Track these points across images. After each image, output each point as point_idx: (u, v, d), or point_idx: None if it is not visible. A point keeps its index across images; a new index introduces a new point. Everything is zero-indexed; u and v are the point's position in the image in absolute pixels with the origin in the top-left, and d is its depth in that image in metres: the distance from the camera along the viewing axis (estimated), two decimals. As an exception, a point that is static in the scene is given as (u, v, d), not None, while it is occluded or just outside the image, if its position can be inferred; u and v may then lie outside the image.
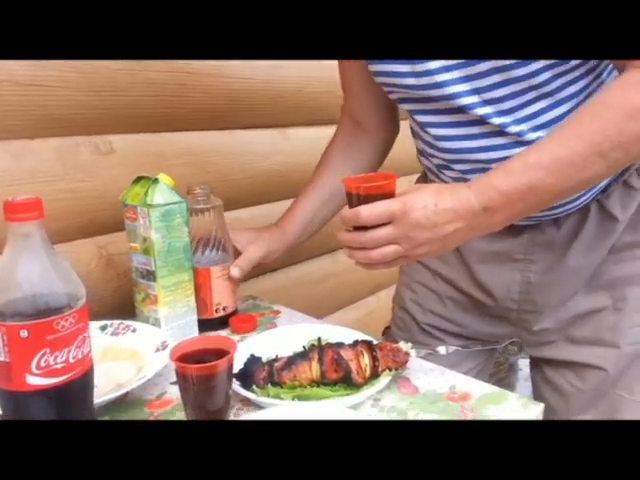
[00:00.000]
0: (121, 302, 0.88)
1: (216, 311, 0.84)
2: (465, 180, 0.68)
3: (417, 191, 0.60)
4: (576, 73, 0.64)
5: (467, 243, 0.78)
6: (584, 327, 0.75)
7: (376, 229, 0.59)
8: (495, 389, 0.66)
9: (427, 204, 0.57)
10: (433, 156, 0.74)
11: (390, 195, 0.60)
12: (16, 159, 0.78)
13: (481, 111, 0.64)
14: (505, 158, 0.63)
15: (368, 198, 0.59)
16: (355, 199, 0.61)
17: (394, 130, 0.91)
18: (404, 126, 0.89)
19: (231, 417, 0.60)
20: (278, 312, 0.93)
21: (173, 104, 0.95)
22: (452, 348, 0.70)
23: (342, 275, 1.41)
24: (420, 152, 0.80)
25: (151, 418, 0.61)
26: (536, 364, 0.84)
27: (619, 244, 0.72)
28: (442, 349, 0.70)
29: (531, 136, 0.64)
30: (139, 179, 0.78)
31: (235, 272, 0.82)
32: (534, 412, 0.62)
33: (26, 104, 0.78)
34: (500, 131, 0.65)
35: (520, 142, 0.64)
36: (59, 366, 0.47)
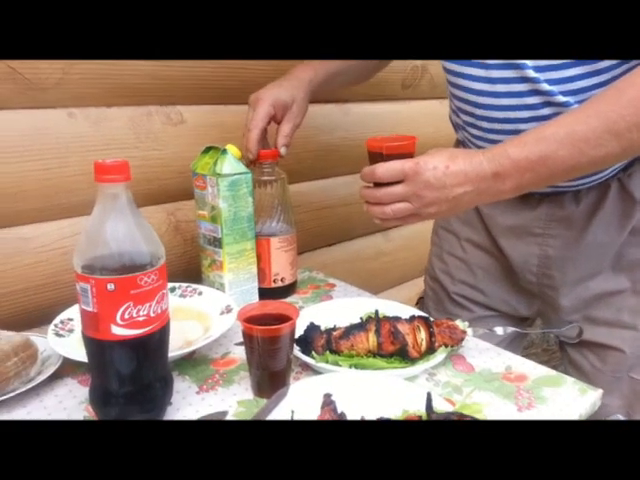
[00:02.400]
0: (187, 267, 0.92)
1: (274, 281, 0.87)
2: (488, 140, 0.70)
3: (432, 153, 0.63)
4: None
5: (488, 215, 0.80)
6: (604, 308, 0.75)
7: (390, 186, 0.63)
8: (552, 372, 0.66)
9: (438, 166, 0.60)
10: (462, 111, 0.74)
11: (409, 155, 0.65)
12: (94, 126, 0.82)
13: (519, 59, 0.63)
14: (531, 118, 0.64)
15: (389, 157, 0.64)
16: (378, 157, 0.65)
17: None
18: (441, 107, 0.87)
19: (291, 380, 0.63)
20: (334, 285, 0.95)
21: (239, 77, 0.97)
22: (510, 329, 0.70)
23: (394, 254, 1.41)
24: (451, 109, 0.81)
25: (217, 375, 0.65)
26: (562, 345, 0.84)
27: (639, 226, 0.71)
28: (499, 329, 0.70)
29: (560, 99, 0.63)
30: (209, 149, 0.81)
31: (284, 151, 0.83)
32: (591, 397, 0.61)
33: (103, 73, 0.81)
34: (530, 90, 0.64)
35: (549, 102, 0.63)
36: (141, 319, 0.50)
